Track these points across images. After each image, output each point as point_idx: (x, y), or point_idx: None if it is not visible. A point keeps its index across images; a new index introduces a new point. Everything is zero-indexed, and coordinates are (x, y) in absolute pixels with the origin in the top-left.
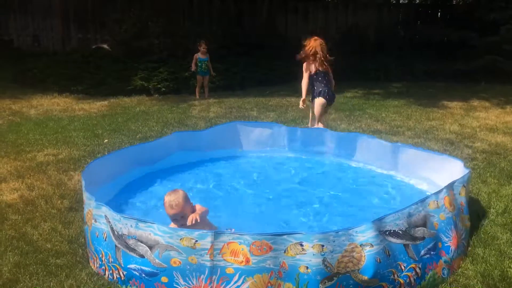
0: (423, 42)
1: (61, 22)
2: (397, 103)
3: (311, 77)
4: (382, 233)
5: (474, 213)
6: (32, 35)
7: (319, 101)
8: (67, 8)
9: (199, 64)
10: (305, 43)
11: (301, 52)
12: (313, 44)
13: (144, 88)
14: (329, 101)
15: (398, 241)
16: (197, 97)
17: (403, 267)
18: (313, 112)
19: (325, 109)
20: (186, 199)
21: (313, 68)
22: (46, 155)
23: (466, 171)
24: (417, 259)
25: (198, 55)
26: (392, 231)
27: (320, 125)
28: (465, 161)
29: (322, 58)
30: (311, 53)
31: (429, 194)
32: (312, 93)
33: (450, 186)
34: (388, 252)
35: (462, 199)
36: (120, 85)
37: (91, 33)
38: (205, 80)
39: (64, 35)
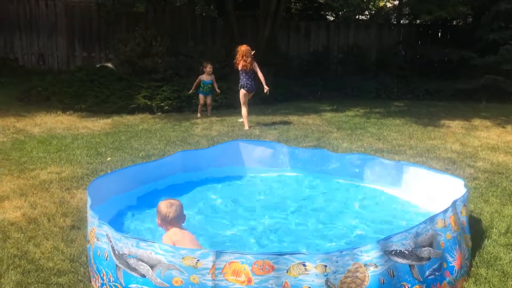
0: (424, 61)
1: (66, 41)
2: (398, 122)
3: (239, 73)
4: (388, 253)
5: (477, 233)
6: (37, 54)
7: (241, 92)
8: (72, 27)
9: (202, 86)
10: (237, 49)
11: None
12: (239, 50)
13: (147, 107)
14: (249, 90)
15: (404, 261)
16: (199, 115)
17: None
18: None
19: (247, 96)
20: (159, 212)
21: (240, 67)
22: (49, 173)
23: (465, 190)
24: (421, 279)
25: (203, 77)
26: (398, 251)
27: (244, 109)
28: (467, 180)
29: (245, 60)
30: (239, 57)
31: (437, 212)
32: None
33: (454, 205)
34: (393, 273)
35: (463, 218)
36: (123, 103)
37: (95, 52)
38: (208, 98)
39: (69, 54)
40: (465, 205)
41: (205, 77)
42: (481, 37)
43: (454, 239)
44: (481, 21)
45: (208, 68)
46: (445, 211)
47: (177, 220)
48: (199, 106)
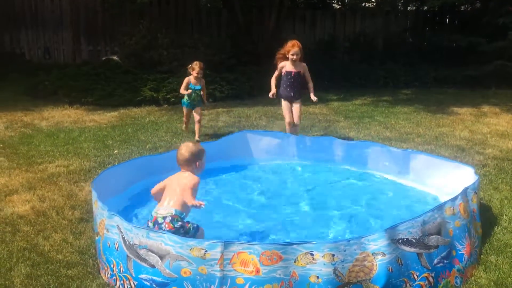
0: (432, 48)
1: (72, 35)
2: (406, 110)
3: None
4: (395, 241)
5: (486, 220)
6: (43, 48)
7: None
8: (77, 21)
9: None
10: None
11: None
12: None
13: (153, 99)
14: None
15: (412, 249)
16: (184, 129)
17: (415, 276)
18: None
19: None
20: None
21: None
22: (57, 166)
23: (476, 177)
24: (430, 267)
25: (190, 81)
26: (405, 239)
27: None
28: (476, 167)
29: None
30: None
31: (445, 200)
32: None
33: (464, 193)
34: (401, 261)
35: (474, 206)
36: (129, 96)
37: (101, 45)
38: (195, 112)
39: (75, 48)
40: (476, 193)
41: (193, 81)
42: (490, 22)
43: (464, 226)
44: (489, 5)
45: (195, 72)
46: (454, 199)
47: (183, 163)
48: (184, 119)
